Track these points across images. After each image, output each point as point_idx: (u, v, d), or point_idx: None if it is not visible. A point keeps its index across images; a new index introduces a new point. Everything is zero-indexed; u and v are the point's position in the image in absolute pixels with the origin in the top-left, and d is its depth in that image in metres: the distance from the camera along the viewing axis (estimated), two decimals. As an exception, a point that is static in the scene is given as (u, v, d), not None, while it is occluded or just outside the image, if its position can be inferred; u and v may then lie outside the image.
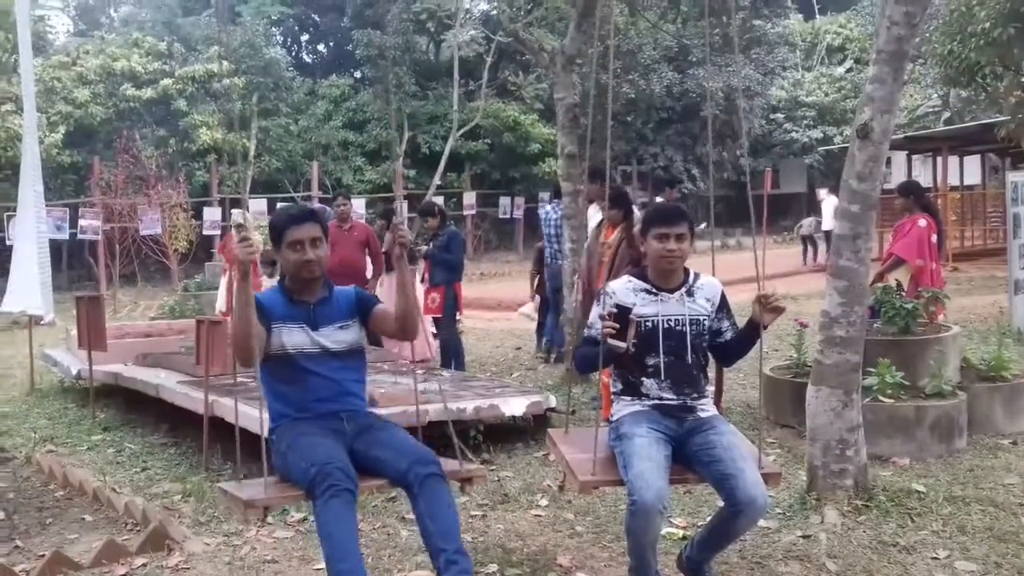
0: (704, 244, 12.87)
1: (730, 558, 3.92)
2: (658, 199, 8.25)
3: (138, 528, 4.48)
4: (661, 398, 3.55)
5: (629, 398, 3.60)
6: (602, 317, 3.45)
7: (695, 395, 3.58)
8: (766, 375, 6.57)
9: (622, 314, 3.40)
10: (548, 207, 9.55)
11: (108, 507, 4.88)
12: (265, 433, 4.91)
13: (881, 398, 5.44)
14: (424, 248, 8.41)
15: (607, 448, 3.53)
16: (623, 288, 3.60)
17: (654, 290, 3.58)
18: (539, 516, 4.62)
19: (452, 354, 8.35)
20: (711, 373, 3.78)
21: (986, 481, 4.86)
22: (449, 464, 3.58)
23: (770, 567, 3.82)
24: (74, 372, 8.07)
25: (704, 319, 3.60)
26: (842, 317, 4.50)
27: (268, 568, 4.00)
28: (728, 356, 3.76)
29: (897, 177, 19.61)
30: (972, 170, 23.74)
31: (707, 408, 3.61)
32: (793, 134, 30.56)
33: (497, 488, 5.07)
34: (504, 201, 26.04)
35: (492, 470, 5.49)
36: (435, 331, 8.74)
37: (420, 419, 5.24)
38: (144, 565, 4.00)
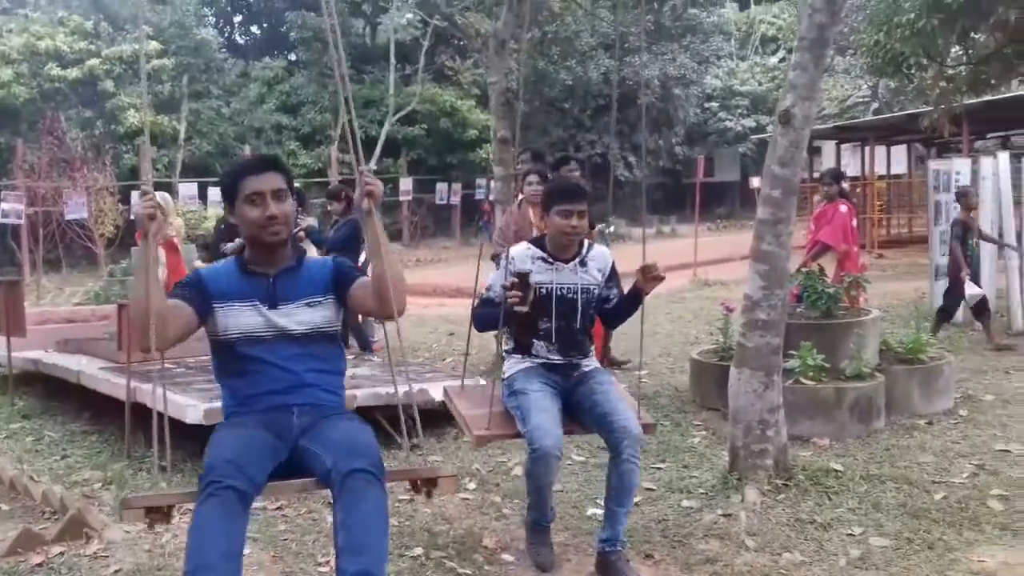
0: (639, 231, 12.95)
1: (652, 536, 3.98)
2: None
3: (56, 517, 4.37)
4: (549, 359, 3.82)
5: (519, 356, 3.87)
6: (505, 287, 3.61)
7: (580, 356, 3.87)
8: (693, 359, 6.67)
9: (523, 279, 3.62)
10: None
11: (25, 496, 4.75)
12: (192, 419, 4.91)
13: (802, 380, 5.56)
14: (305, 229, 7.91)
15: (501, 404, 3.80)
16: (522, 254, 3.81)
17: (550, 259, 3.80)
18: (467, 500, 4.63)
19: (363, 340, 8.15)
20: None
21: (901, 460, 5.00)
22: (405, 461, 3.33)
23: (691, 545, 3.88)
24: (-8, 359, 7.83)
25: (594, 288, 3.85)
26: (764, 301, 4.58)
27: (189, 555, 3.93)
28: (613, 320, 4.06)
29: (829, 166, 19.99)
30: (899, 159, 24.32)
31: (590, 363, 3.91)
32: (727, 123, 30.94)
33: (425, 472, 5.05)
34: (441, 187, 25.81)
35: (421, 455, 5.48)
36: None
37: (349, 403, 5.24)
38: (61, 554, 3.90)
